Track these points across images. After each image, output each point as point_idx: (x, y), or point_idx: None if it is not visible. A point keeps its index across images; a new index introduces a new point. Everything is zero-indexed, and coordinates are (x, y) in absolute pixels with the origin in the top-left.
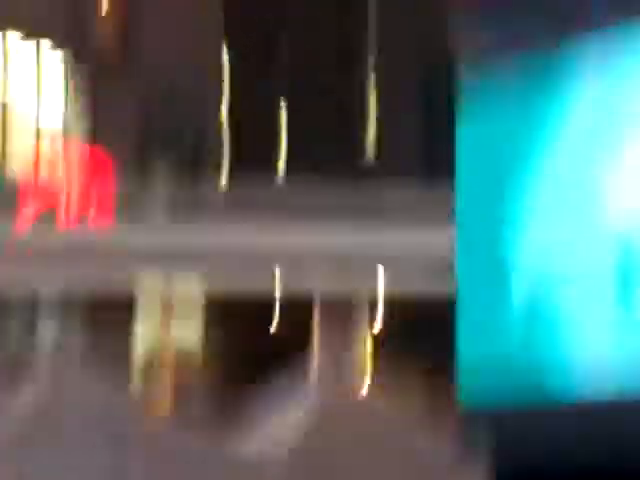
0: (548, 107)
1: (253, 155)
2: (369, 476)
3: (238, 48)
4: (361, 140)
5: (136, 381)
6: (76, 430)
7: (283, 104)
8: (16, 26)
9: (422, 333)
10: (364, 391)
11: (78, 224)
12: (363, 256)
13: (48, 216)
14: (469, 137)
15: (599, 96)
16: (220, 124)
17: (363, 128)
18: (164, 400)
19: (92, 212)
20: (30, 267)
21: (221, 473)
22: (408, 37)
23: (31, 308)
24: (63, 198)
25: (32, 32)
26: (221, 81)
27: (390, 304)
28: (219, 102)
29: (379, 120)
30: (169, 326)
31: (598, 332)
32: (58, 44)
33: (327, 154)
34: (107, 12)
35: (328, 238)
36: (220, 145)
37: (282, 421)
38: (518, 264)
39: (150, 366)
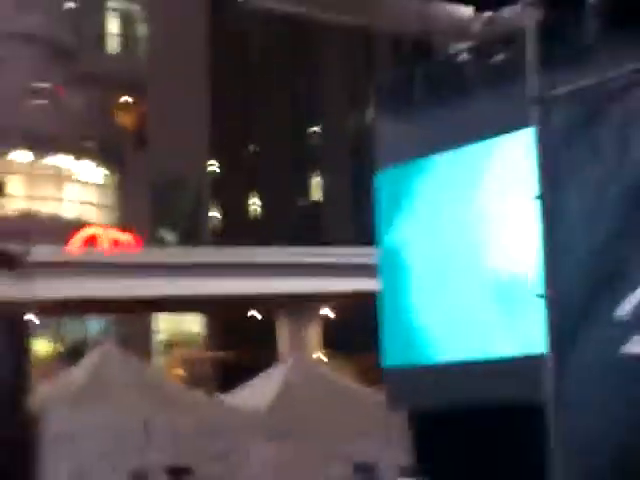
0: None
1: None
2: (328, 419)
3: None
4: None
5: (157, 357)
6: (120, 391)
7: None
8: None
9: (359, 325)
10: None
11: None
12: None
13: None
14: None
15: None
16: (207, 208)
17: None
18: (178, 369)
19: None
20: (78, 277)
21: (220, 417)
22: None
23: (81, 307)
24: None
25: (72, 150)
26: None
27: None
28: (206, 192)
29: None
30: (178, 320)
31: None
32: (93, 157)
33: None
34: (124, 128)
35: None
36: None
37: (263, 383)
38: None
39: (168, 347)
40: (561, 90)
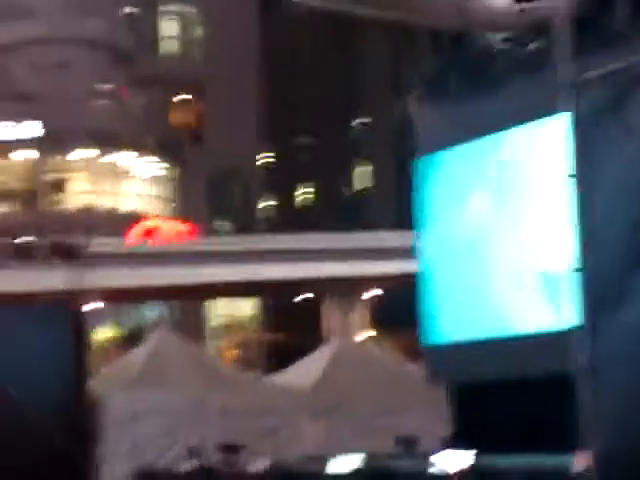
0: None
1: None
2: (373, 396)
3: (271, 149)
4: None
5: (212, 340)
6: (175, 374)
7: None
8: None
9: (404, 305)
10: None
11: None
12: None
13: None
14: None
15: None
16: (259, 198)
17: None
18: (231, 352)
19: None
20: (137, 266)
21: (269, 396)
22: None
23: (139, 295)
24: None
25: (133, 146)
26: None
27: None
28: (258, 183)
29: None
30: (232, 304)
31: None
32: (152, 153)
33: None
34: (182, 125)
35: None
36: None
37: (309, 363)
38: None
39: (223, 330)
40: (592, 74)
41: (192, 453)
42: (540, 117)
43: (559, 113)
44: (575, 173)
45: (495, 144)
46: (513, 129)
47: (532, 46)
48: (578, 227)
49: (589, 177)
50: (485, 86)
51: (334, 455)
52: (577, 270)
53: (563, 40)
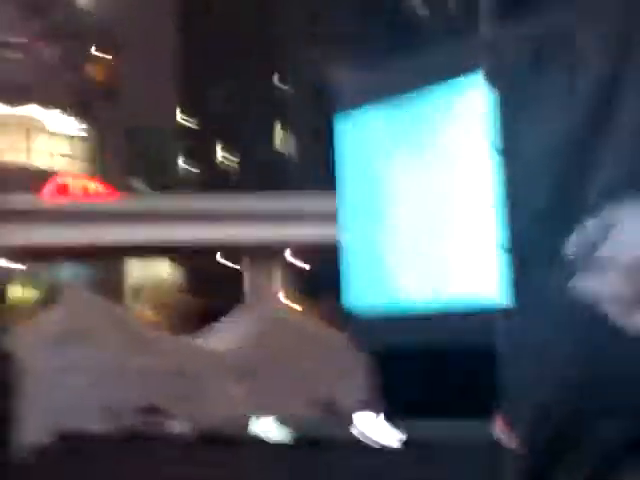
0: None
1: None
2: (293, 359)
3: (190, 108)
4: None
5: (129, 301)
6: (93, 333)
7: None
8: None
9: (323, 271)
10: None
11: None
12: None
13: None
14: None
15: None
16: (177, 158)
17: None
18: (150, 313)
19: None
20: (51, 224)
21: (189, 359)
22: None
23: (55, 254)
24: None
25: (45, 101)
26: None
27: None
28: (177, 143)
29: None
30: (151, 265)
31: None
32: (66, 109)
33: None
34: (96, 80)
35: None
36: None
37: (229, 326)
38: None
39: (139, 291)
40: (511, 34)
41: (112, 414)
42: (460, 77)
43: (479, 73)
44: (494, 135)
45: (414, 102)
46: (433, 87)
47: (451, 5)
48: (499, 190)
49: (508, 140)
50: (405, 44)
51: (255, 418)
52: (499, 238)
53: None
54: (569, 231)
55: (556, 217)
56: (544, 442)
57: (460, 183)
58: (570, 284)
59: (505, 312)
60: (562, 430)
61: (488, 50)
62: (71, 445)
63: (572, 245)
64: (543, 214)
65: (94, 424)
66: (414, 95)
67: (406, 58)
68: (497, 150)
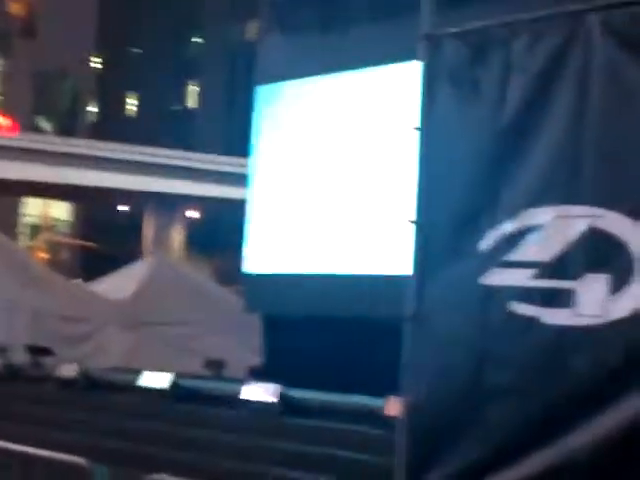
0: None
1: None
2: (185, 315)
3: (103, 54)
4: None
5: (23, 239)
6: None
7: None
8: None
9: (220, 229)
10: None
11: None
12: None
13: None
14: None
15: None
16: (86, 102)
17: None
18: (41, 253)
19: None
20: None
21: (83, 303)
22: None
23: None
24: None
25: None
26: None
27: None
28: (87, 87)
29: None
30: (47, 206)
31: None
32: None
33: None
34: (14, 15)
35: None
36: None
37: (126, 275)
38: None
39: (34, 230)
40: (449, 29)
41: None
42: (388, 63)
43: (410, 62)
44: (421, 126)
45: (342, 83)
46: (362, 70)
47: None
48: (418, 179)
49: (434, 132)
50: (337, 22)
51: (142, 369)
52: (413, 222)
53: None
54: (485, 229)
55: (473, 214)
56: (439, 425)
57: (379, 167)
58: (481, 279)
59: (411, 290)
60: (458, 414)
61: (426, 42)
62: None
63: (487, 242)
64: (461, 209)
65: None
66: (343, 75)
67: (339, 37)
68: (422, 142)
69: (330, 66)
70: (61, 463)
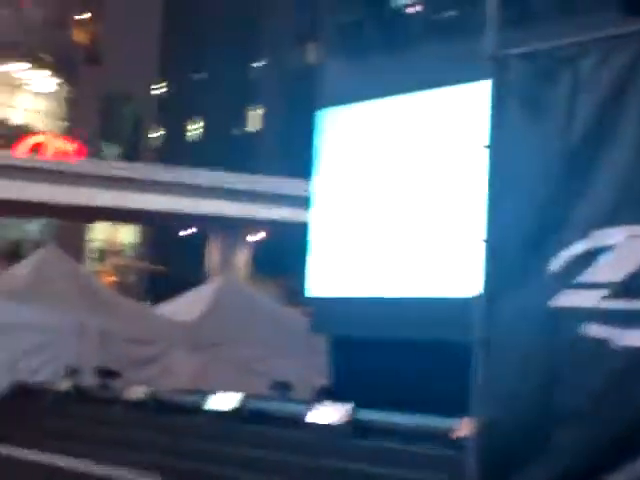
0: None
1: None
2: (251, 337)
3: (167, 80)
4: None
5: (91, 263)
6: (58, 292)
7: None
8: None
9: (285, 251)
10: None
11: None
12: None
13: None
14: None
15: None
16: (150, 127)
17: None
18: (109, 277)
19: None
20: (22, 180)
21: (150, 326)
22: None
23: (21, 209)
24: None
25: (28, 59)
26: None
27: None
28: (151, 112)
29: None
30: (114, 230)
31: None
32: (47, 68)
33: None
34: (80, 42)
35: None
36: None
37: (192, 298)
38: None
39: (102, 255)
40: (516, 50)
41: (69, 373)
42: (452, 84)
43: (477, 82)
44: (489, 145)
45: (404, 104)
46: (425, 92)
47: (449, 12)
48: (487, 198)
49: (502, 152)
50: (399, 45)
51: (210, 391)
52: (483, 240)
53: (490, 11)
54: (555, 249)
55: (543, 234)
56: (509, 447)
57: (444, 188)
58: (551, 301)
59: (481, 311)
60: (528, 436)
61: (493, 63)
62: (27, 398)
63: (557, 263)
64: (530, 229)
65: (51, 380)
66: (408, 97)
67: (402, 58)
68: (491, 160)
69: (393, 88)
70: None
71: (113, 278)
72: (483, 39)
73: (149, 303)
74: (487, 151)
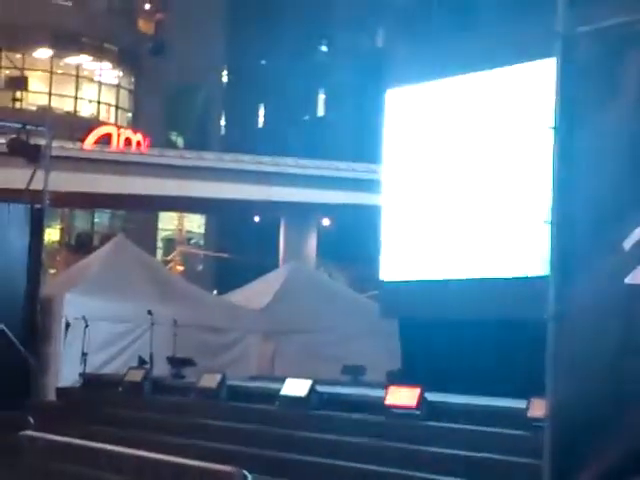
0: None
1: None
2: (320, 322)
3: (233, 68)
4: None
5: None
6: (130, 282)
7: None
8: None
9: (354, 237)
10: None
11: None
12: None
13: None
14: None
15: None
16: (217, 116)
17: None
18: (178, 266)
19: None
20: (91, 172)
21: (222, 314)
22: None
23: (91, 201)
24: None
25: (93, 51)
26: (219, 87)
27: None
28: (217, 101)
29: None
30: (181, 220)
31: None
32: (113, 60)
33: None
34: (145, 33)
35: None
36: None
37: (262, 285)
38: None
39: (170, 244)
40: (585, 27)
41: (142, 363)
42: (521, 61)
43: (542, 60)
44: (556, 125)
45: (472, 83)
46: (494, 70)
47: None
48: (554, 178)
49: (570, 131)
50: (465, 23)
51: (282, 378)
52: (550, 220)
53: None
54: (629, 226)
55: (616, 212)
56: (584, 424)
57: (512, 168)
58: (627, 277)
59: (556, 297)
60: (604, 414)
61: (561, 41)
62: (99, 390)
63: (632, 240)
64: (603, 208)
65: (124, 371)
66: (474, 76)
67: (468, 38)
68: (558, 140)
69: (459, 67)
70: (211, 472)
71: (182, 267)
72: (549, 17)
73: (217, 292)
74: (553, 131)
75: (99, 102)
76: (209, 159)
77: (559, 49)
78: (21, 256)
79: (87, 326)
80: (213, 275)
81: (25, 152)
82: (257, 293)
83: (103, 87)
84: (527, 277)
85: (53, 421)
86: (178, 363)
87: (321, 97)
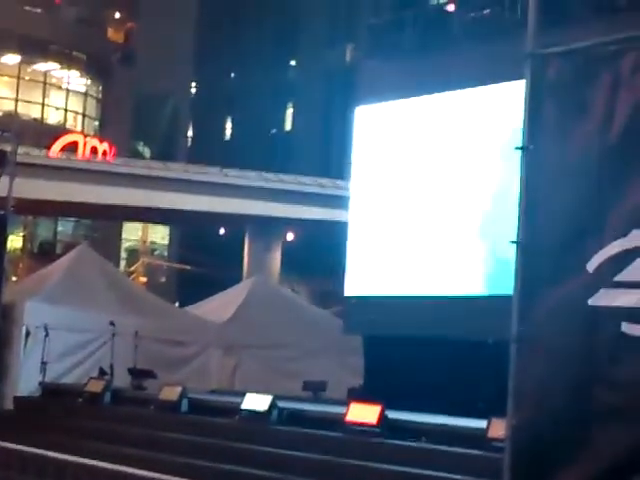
0: None
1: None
2: (282, 337)
3: (201, 79)
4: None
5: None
6: (91, 291)
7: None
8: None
9: (318, 252)
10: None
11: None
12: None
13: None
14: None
15: None
16: (184, 127)
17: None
18: (140, 277)
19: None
20: (56, 180)
21: (183, 326)
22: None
23: (55, 209)
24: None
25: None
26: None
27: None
28: (185, 112)
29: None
30: (146, 230)
31: None
32: (81, 68)
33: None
34: (114, 42)
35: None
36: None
37: (224, 298)
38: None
39: (133, 255)
40: (554, 49)
41: (102, 373)
42: (487, 83)
43: (510, 82)
44: (523, 145)
45: (440, 102)
46: (464, 90)
47: (484, 11)
48: (520, 198)
49: (537, 150)
50: (435, 44)
51: (243, 392)
52: (514, 242)
53: (530, 11)
54: (593, 249)
55: (580, 234)
56: (545, 447)
57: (479, 187)
58: (590, 300)
59: (519, 318)
60: (565, 436)
61: (531, 61)
62: (58, 399)
63: (595, 262)
64: (567, 229)
65: (83, 381)
66: (443, 95)
67: (438, 58)
68: (525, 161)
69: (428, 87)
70: None
71: (146, 278)
72: (519, 38)
73: (177, 304)
74: (520, 152)
75: (66, 110)
76: (175, 170)
77: (528, 69)
78: None
79: (47, 335)
80: (176, 287)
81: None
82: (219, 306)
83: (71, 95)
84: (491, 296)
85: (10, 430)
86: (139, 374)
87: (289, 111)
